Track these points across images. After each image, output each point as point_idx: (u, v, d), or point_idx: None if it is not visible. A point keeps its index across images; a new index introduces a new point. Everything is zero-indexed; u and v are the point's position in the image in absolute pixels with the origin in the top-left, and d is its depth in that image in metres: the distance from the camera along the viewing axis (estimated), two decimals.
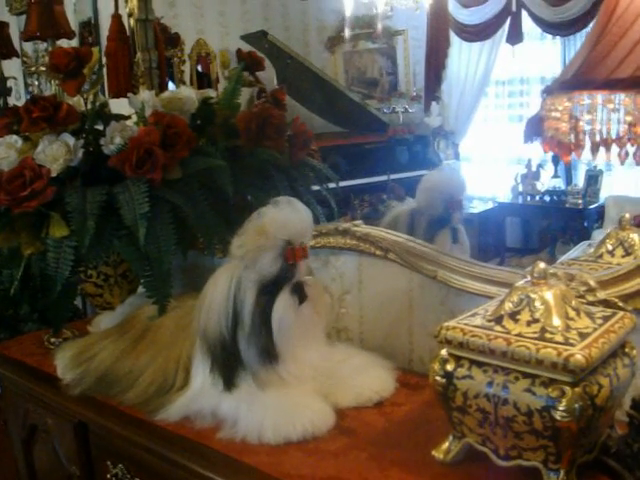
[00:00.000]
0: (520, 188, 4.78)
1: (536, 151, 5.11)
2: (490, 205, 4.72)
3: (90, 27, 2.40)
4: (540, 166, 5.16)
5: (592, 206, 4.59)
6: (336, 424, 1.08)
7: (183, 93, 1.63)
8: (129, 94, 1.58)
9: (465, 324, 0.92)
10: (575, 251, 1.54)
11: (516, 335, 0.86)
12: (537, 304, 0.88)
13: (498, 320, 0.91)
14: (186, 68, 2.28)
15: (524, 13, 4.85)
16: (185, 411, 1.14)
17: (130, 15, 1.79)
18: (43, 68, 2.29)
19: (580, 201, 4.67)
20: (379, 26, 5.76)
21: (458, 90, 5.91)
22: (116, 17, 1.77)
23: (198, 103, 1.69)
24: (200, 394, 1.14)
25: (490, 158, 5.51)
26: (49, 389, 1.32)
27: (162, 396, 1.18)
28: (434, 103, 5.40)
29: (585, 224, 4.63)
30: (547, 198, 4.90)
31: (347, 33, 5.66)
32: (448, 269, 1.24)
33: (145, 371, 1.25)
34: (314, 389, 1.12)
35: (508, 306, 0.91)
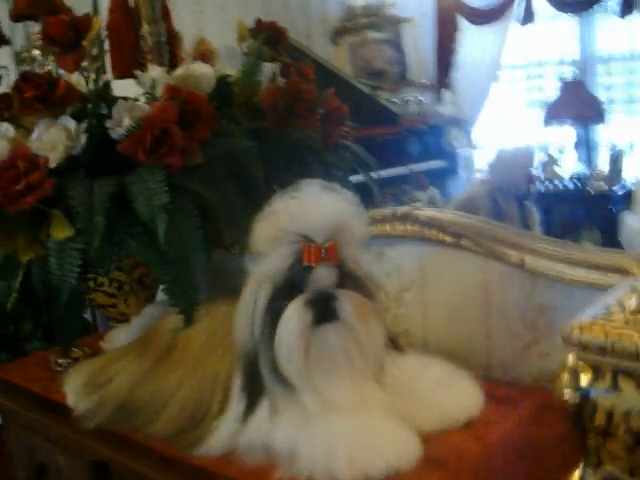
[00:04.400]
0: (542, 176, 4.54)
1: (556, 136, 4.83)
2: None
3: None
4: (560, 151, 4.89)
5: (616, 189, 4.32)
6: (422, 454, 0.85)
7: (199, 70, 1.41)
8: (136, 72, 1.36)
9: (605, 320, 0.69)
10: None
11: None
12: None
13: None
14: None
15: None
16: (229, 444, 0.91)
17: None
18: (37, 51, 2.07)
19: (604, 185, 4.41)
20: (384, 14, 5.49)
21: (470, 76, 5.65)
22: None
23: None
24: (248, 422, 0.92)
25: (507, 145, 5.27)
26: (59, 421, 1.09)
27: (197, 426, 0.96)
28: (446, 91, 5.15)
29: (611, 208, 4.38)
30: (569, 184, 4.64)
31: (352, 23, 5.42)
32: (537, 254, 1.02)
33: (174, 396, 1.02)
34: (386, 413, 0.90)
35: None
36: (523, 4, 4.90)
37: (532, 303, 1.05)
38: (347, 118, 1.56)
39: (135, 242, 1.18)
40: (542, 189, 4.42)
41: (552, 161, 4.56)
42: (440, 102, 5.40)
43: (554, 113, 4.73)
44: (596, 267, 0.96)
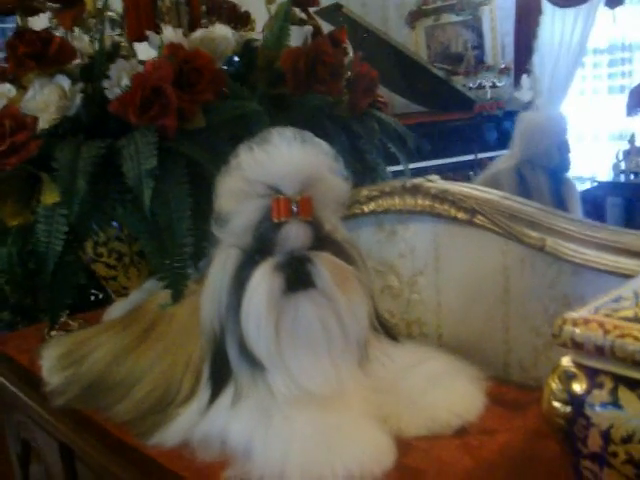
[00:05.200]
0: (622, 166, 4.23)
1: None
2: (588, 185, 4.20)
3: None
4: None
5: None
6: (397, 463, 0.72)
7: (217, 32, 1.31)
8: (148, 32, 1.28)
9: (606, 315, 0.54)
10: None
11: None
12: None
13: None
14: None
15: None
16: (185, 434, 0.81)
17: None
18: None
19: None
20: None
21: (551, 61, 5.32)
22: None
23: (238, 45, 1.37)
24: (208, 411, 0.82)
25: (588, 134, 4.95)
26: (35, 397, 1.03)
27: (160, 411, 0.87)
28: (525, 76, 4.86)
29: None
30: None
31: (429, 6, 5.21)
32: (562, 236, 0.86)
33: (145, 376, 0.93)
34: (364, 410, 0.77)
35: None
36: None
37: (556, 293, 0.89)
38: (377, 85, 1.43)
39: (124, 210, 1.10)
40: (623, 180, 4.12)
41: (636, 151, 4.22)
42: (519, 88, 5.13)
43: (639, 100, 4.38)
44: (630, 253, 0.80)
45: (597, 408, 0.53)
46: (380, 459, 0.71)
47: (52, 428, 0.97)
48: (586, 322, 0.53)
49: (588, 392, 0.54)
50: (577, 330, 0.54)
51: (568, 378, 0.55)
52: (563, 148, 1.37)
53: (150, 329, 1.02)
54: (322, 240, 0.77)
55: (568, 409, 0.55)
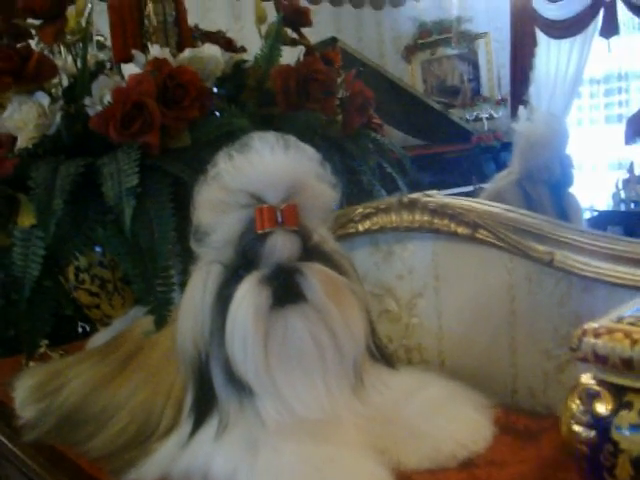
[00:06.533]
0: (622, 195, 4.20)
1: (639, 153, 4.44)
2: (588, 215, 4.16)
3: None
4: None
5: None
6: None
7: (206, 51, 1.27)
8: (134, 51, 1.23)
9: (632, 324, 0.48)
10: None
11: None
12: None
13: None
14: None
15: (619, 2, 4.26)
16: (165, 470, 0.73)
17: None
18: None
19: None
20: (458, 29, 5.30)
21: (548, 91, 5.34)
22: None
23: (227, 66, 1.33)
24: (189, 443, 0.74)
25: (587, 164, 4.93)
26: (6, 431, 0.95)
27: (138, 446, 0.79)
28: (522, 107, 4.86)
29: None
30: None
31: (424, 40, 5.24)
32: (572, 248, 0.80)
33: (123, 408, 0.86)
34: (360, 440, 0.70)
35: None
36: (608, 16, 4.56)
37: (566, 312, 0.83)
38: (371, 104, 1.38)
39: (105, 231, 1.04)
40: (623, 208, 4.09)
41: (635, 180, 4.20)
42: (516, 119, 5.14)
43: (637, 128, 4.38)
44: None
45: (626, 431, 0.47)
46: None
47: (24, 466, 0.89)
48: (610, 332, 0.47)
49: (614, 413, 0.47)
50: (599, 342, 0.47)
51: (590, 398, 0.49)
52: (565, 162, 1.32)
53: (130, 358, 0.95)
54: (310, 251, 0.71)
55: (592, 433, 0.48)
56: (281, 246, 0.68)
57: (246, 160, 0.69)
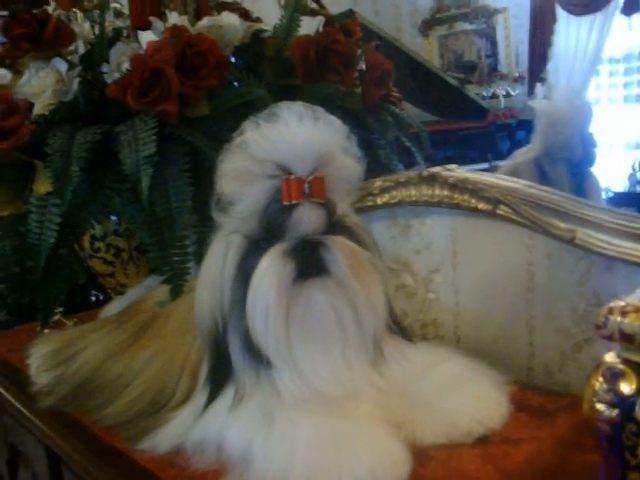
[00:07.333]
0: (638, 176, 4.15)
1: None
2: (604, 196, 4.12)
3: None
4: None
5: None
6: (413, 473, 0.65)
7: (224, 20, 1.25)
8: (152, 18, 1.22)
9: None
10: None
11: None
12: None
13: None
14: None
15: None
16: (179, 439, 0.73)
17: None
18: None
19: None
20: (476, 4, 5.21)
21: (566, 69, 5.23)
22: None
23: (245, 36, 1.31)
24: (204, 414, 0.74)
25: (603, 143, 4.86)
26: (22, 398, 0.96)
27: (153, 415, 0.79)
28: (539, 84, 4.78)
29: None
30: None
31: (442, 14, 5.16)
32: (594, 226, 0.78)
33: (138, 376, 0.86)
34: (377, 414, 0.70)
35: None
36: None
37: (586, 291, 0.82)
38: (391, 77, 1.36)
39: (121, 200, 1.03)
40: (639, 190, 4.04)
41: None
42: (533, 96, 5.06)
43: None
44: None
45: None
46: (394, 469, 0.63)
47: (38, 432, 0.90)
48: (637, 311, 0.46)
49: (639, 393, 0.46)
50: (626, 320, 0.46)
51: (614, 376, 0.48)
52: (587, 140, 1.29)
53: (146, 327, 0.95)
54: (334, 224, 0.70)
55: (614, 412, 0.47)
56: (307, 218, 0.67)
57: (274, 129, 0.68)
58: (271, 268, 0.68)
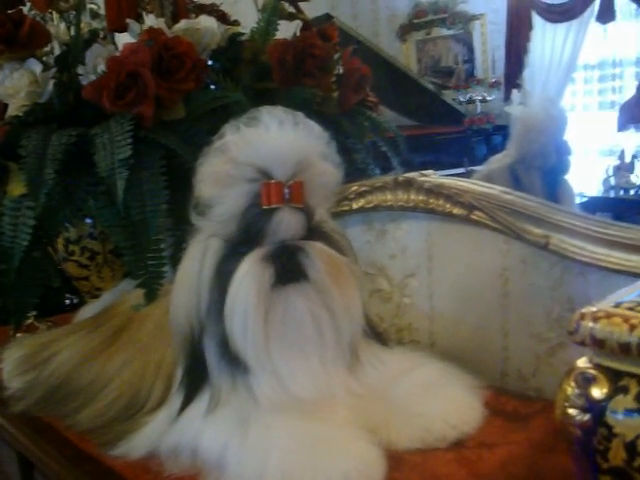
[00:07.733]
0: (612, 181, 4.21)
1: (630, 140, 4.47)
2: (578, 200, 4.19)
3: None
4: (635, 157, 4.52)
5: None
6: (387, 477, 0.65)
7: (202, 23, 1.24)
8: (129, 20, 1.21)
9: (631, 308, 0.48)
10: None
11: None
12: None
13: None
14: None
15: None
16: (153, 444, 0.73)
17: None
18: None
19: None
20: (454, 10, 5.26)
21: (542, 76, 5.31)
22: None
23: (223, 39, 1.31)
24: (179, 419, 0.74)
25: (578, 149, 4.94)
26: None
27: (126, 420, 0.79)
28: (515, 91, 4.84)
29: None
30: None
31: (420, 20, 5.20)
32: (568, 232, 0.79)
33: (112, 381, 0.85)
34: (351, 419, 0.70)
35: None
36: (604, 1, 4.53)
37: (559, 296, 0.83)
38: (368, 81, 1.36)
39: (97, 202, 1.02)
40: (613, 195, 4.11)
41: (626, 167, 4.21)
42: (509, 102, 5.12)
43: (630, 116, 4.38)
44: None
45: (620, 416, 0.47)
46: (368, 473, 0.63)
47: (10, 437, 0.88)
48: (608, 316, 0.47)
49: (610, 397, 0.47)
50: (598, 326, 0.47)
51: (586, 381, 0.48)
52: (561, 149, 1.32)
53: (120, 331, 0.94)
54: (312, 229, 0.70)
55: (586, 417, 0.48)
56: (287, 223, 0.67)
57: (255, 134, 0.68)
58: (250, 273, 0.68)
